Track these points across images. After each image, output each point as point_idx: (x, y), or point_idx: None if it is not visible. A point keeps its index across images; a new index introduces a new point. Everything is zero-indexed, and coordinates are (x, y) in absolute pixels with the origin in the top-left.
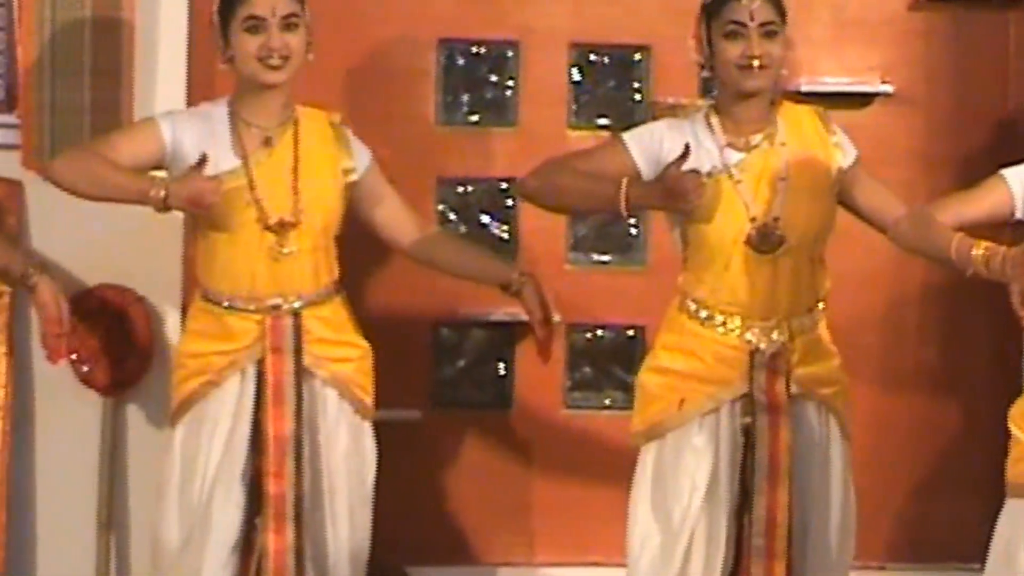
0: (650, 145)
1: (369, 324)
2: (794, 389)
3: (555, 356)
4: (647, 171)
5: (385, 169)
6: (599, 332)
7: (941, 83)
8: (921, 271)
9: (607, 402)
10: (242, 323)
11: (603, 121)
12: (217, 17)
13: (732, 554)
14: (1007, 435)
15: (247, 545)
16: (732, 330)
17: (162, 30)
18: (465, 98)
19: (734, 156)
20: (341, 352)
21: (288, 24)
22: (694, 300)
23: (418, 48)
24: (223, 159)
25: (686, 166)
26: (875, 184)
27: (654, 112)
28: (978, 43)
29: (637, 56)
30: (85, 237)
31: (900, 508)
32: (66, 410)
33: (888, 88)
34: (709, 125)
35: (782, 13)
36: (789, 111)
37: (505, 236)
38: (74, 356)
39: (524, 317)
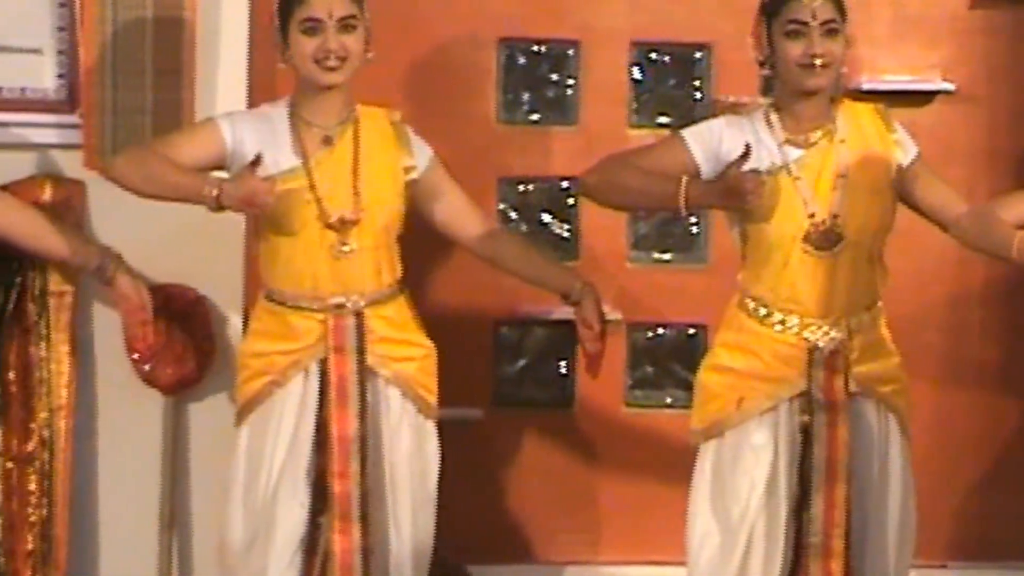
0: (710, 142)
1: (431, 323)
2: (853, 387)
3: (616, 354)
4: (707, 168)
5: (446, 168)
6: (660, 331)
7: (1002, 80)
8: (982, 268)
9: (668, 401)
10: (305, 322)
11: (663, 120)
12: (276, 18)
13: (791, 553)
14: None
15: (311, 545)
16: (791, 328)
17: (223, 30)
18: (526, 97)
19: (793, 153)
20: (404, 351)
21: (345, 26)
22: (753, 298)
23: (479, 47)
24: (283, 159)
25: (746, 166)
26: (936, 181)
27: (715, 110)
28: None
29: (698, 54)
30: (147, 237)
31: (961, 506)
32: (129, 409)
33: (949, 86)
34: (769, 122)
35: (843, 11)
36: (849, 109)
37: (566, 235)
38: (136, 355)
39: None
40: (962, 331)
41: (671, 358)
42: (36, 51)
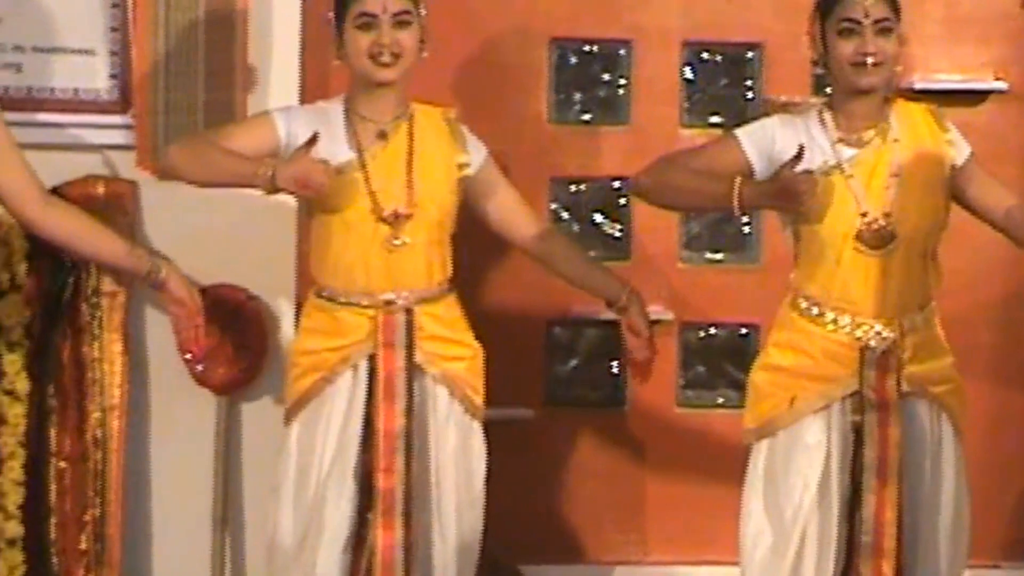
0: (763, 141)
1: (483, 322)
2: (905, 387)
3: (668, 354)
4: (760, 168)
5: (498, 167)
6: (712, 330)
7: None
8: None
9: (720, 401)
10: (355, 318)
11: (715, 119)
12: (333, 13)
13: (844, 553)
14: None
15: (360, 541)
16: (843, 327)
17: (275, 29)
18: (577, 97)
19: (846, 152)
20: (453, 351)
21: (400, 21)
22: (805, 297)
23: (531, 47)
24: (338, 152)
25: (799, 166)
26: (990, 181)
27: (767, 110)
28: None
29: (749, 54)
30: (199, 237)
31: (1015, 506)
32: (181, 409)
33: (1002, 85)
34: (822, 121)
35: (896, 10)
36: (902, 108)
37: (618, 235)
38: (189, 355)
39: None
40: (1015, 330)
41: (723, 358)
42: (89, 52)
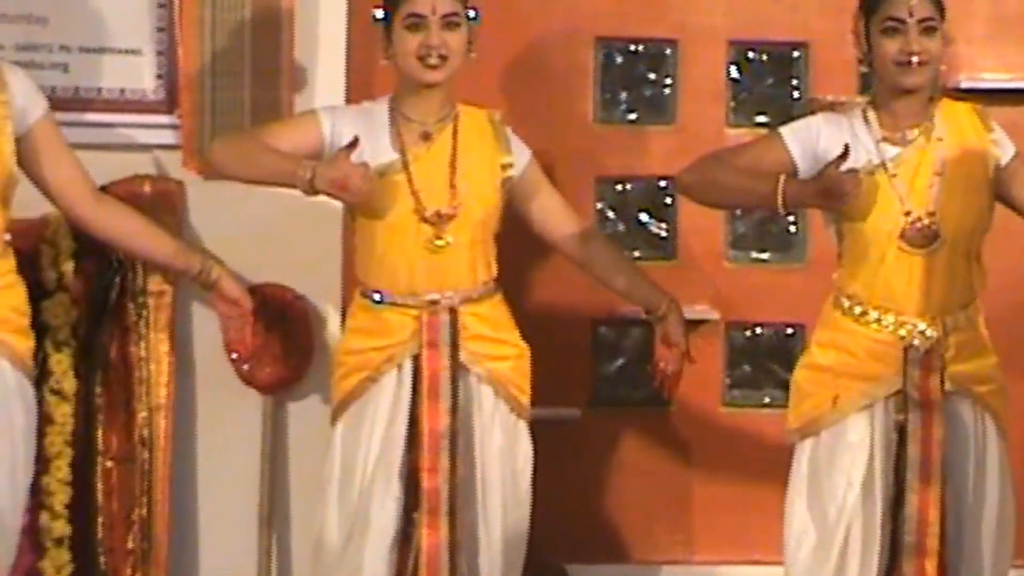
0: (807, 140)
1: (529, 322)
2: (948, 386)
3: (714, 354)
4: (804, 166)
5: (544, 167)
6: (758, 330)
7: None
8: None
9: (766, 400)
10: (399, 318)
11: (761, 119)
12: (382, 13)
13: (888, 552)
14: None
15: (406, 540)
16: (886, 326)
17: (321, 30)
18: (623, 96)
19: (890, 151)
20: (499, 350)
21: (448, 23)
22: (848, 296)
23: (576, 46)
24: (382, 152)
25: (844, 165)
26: None
27: (812, 109)
28: None
29: (795, 53)
30: (244, 237)
31: None
32: (228, 409)
33: None
34: (866, 120)
35: (941, 9)
36: (947, 107)
37: (664, 234)
38: (235, 355)
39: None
40: None
41: (769, 357)
42: (135, 52)
